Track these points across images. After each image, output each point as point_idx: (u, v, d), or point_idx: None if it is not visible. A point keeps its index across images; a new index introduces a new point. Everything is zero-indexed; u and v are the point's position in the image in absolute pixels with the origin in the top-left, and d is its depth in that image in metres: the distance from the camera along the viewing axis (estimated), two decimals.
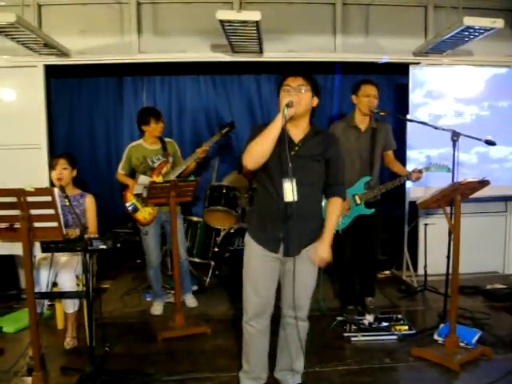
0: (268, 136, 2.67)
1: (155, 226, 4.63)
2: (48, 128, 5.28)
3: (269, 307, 3.02)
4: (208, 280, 5.42)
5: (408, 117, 5.16)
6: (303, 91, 2.78)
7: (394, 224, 5.80)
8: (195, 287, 5.20)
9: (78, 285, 3.80)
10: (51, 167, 3.97)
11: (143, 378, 3.43)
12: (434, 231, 5.32)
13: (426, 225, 5.35)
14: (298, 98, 2.73)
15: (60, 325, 4.20)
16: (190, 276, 4.97)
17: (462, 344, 3.69)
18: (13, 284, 5.07)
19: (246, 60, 5.36)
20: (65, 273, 3.74)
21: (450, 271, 3.85)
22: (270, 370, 3.24)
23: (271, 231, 2.87)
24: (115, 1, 5.21)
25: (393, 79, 6.08)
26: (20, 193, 2.78)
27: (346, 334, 4.03)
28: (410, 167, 4.72)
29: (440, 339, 3.83)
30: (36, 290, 3.26)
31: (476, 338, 3.76)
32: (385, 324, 4.12)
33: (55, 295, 3.86)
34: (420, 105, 5.37)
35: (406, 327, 4.08)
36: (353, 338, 3.98)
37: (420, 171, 4.35)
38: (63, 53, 5.00)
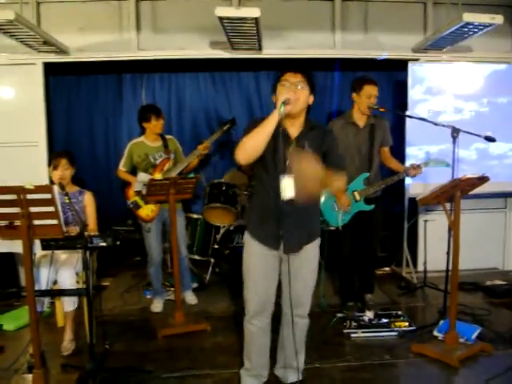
0: (262, 131, 2.64)
1: (157, 223, 4.64)
2: (47, 125, 5.28)
3: (269, 305, 3.03)
4: (208, 277, 5.42)
5: (407, 113, 5.15)
6: (300, 87, 2.77)
7: (394, 220, 5.79)
8: (195, 284, 5.21)
9: (77, 282, 3.80)
10: (53, 167, 3.95)
11: (143, 375, 3.44)
12: (433, 228, 5.32)
13: (425, 221, 5.35)
14: (295, 95, 2.71)
15: (60, 322, 4.19)
16: (189, 273, 4.97)
17: (461, 340, 3.70)
18: (13, 282, 5.07)
19: (245, 57, 5.36)
20: (65, 270, 3.72)
21: (450, 267, 3.86)
22: (270, 367, 3.25)
23: (271, 228, 2.86)
24: None
25: (392, 76, 6.07)
26: (20, 190, 2.77)
27: (345, 331, 4.03)
28: (409, 163, 4.71)
29: (440, 335, 3.83)
30: (36, 288, 3.27)
31: (476, 334, 3.76)
32: (385, 320, 4.13)
33: (55, 293, 3.86)
34: (419, 101, 5.36)
35: (406, 324, 4.09)
36: (353, 335, 3.99)
37: (418, 166, 4.35)
38: (62, 50, 4.99)
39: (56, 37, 4.80)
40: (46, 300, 3.82)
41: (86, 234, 3.16)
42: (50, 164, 4.02)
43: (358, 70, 5.56)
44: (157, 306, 4.72)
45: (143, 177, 4.53)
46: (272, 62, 5.51)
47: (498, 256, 5.88)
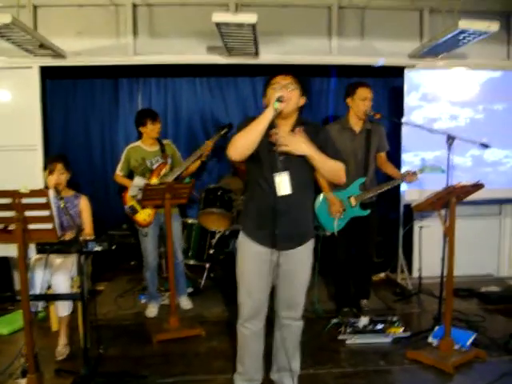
0: (256, 128, 2.66)
1: (154, 228, 4.64)
2: (43, 129, 5.27)
3: (263, 309, 3.02)
4: (203, 282, 5.41)
5: (403, 119, 5.17)
6: (291, 89, 2.79)
7: (389, 227, 5.80)
8: (190, 289, 5.20)
9: (72, 287, 3.78)
10: (48, 172, 3.92)
11: (138, 381, 3.42)
12: (428, 234, 5.34)
13: (420, 227, 5.36)
14: (287, 94, 2.74)
15: (54, 327, 4.18)
16: (185, 278, 4.96)
17: (456, 346, 3.70)
18: (7, 286, 5.05)
19: (242, 62, 5.36)
20: (59, 275, 3.71)
21: (445, 274, 3.86)
22: (265, 371, 3.23)
23: (267, 227, 2.84)
24: (111, 3, 5.20)
25: (388, 82, 6.11)
26: (15, 194, 2.77)
27: (340, 337, 4.03)
28: (404, 170, 4.73)
29: (435, 342, 3.83)
30: (30, 292, 3.26)
31: (470, 340, 3.76)
32: (380, 326, 4.12)
33: (50, 297, 3.84)
34: (415, 107, 5.38)
35: (401, 330, 4.08)
36: (348, 341, 3.99)
37: (414, 173, 4.36)
38: (59, 54, 4.99)
39: (53, 41, 4.80)
40: (41, 304, 3.81)
41: (81, 238, 3.15)
42: (45, 168, 4.01)
43: (355, 76, 5.56)
44: (152, 310, 4.71)
45: (138, 181, 4.53)
46: (269, 67, 5.53)
47: (492, 262, 5.88)
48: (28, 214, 2.84)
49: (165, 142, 4.79)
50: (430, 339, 3.89)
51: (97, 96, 6.15)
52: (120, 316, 4.69)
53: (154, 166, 4.63)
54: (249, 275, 2.97)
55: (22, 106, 5.15)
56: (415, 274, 5.43)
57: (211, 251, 5.48)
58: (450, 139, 4.02)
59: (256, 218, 2.93)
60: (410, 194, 5.37)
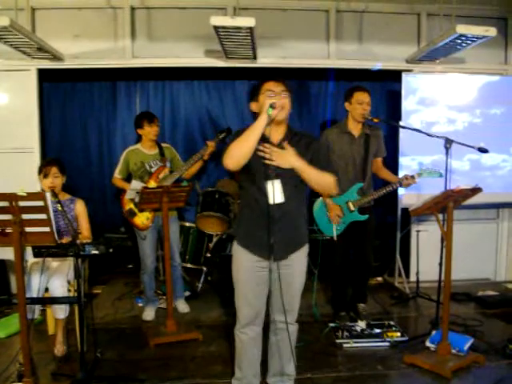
0: (250, 136, 2.67)
1: (152, 231, 4.64)
2: (41, 132, 5.26)
3: (260, 315, 3.03)
4: (200, 286, 5.39)
5: (401, 123, 5.17)
6: (283, 96, 2.80)
7: (387, 231, 5.81)
8: (187, 293, 5.18)
9: (69, 290, 3.77)
10: (43, 175, 3.91)
11: None
12: (426, 238, 5.33)
13: (418, 231, 5.36)
14: (281, 101, 2.75)
15: (51, 330, 4.17)
16: (182, 281, 4.96)
17: (454, 351, 3.69)
18: (4, 289, 5.04)
19: (240, 66, 5.36)
20: (56, 278, 3.70)
21: (442, 278, 3.86)
22: (262, 375, 3.22)
23: (261, 237, 2.85)
24: (109, 6, 5.20)
25: (386, 86, 6.12)
26: (12, 197, 2.76)
27: (338, 341, 4.02)
28: (402, 174, 4.73)
29: (432, 346, 3.82)
30: (27, 296, 3.24)
31: (468, 344, 3.75)
32: (377, 330, 4.12)
33: (47, 301, 3.82)
34: (413, 112, 5.39)
35: (398, 334, 4.08)
36: (345, 345, 3.97)
37: (412, 177, 4.35)
38: (57, 57, 4.99)
39: (51, 43, 4.79)
40: (38, 308, 3.79)
41: (78, 241, 3.14)
42: (40, 172, 3.98)
43: (352, 80, 5.57)
44: (149, 314, 4.70)
45: (136, 184, 4.52)
46: (266, 71, 5.53)
47: (490, 266, 5.88)
48: (25, 216, 2.83)
49: (164, 145, 4.79)
50: (428, 343, 3.87)
51: (94, 99, 6.15)
52: (117, 319, 4.68)
53: (153, 170, 4.63)
54: (245, 284, 2.97)
55: (19, 109, 5.15)
56: (412, 277, 5.43)
57: (209, 255, 5.47)
58: (448, 143, 4.02)
59: (250, 227, 2.93)
60: (407, 198, 5.37)
